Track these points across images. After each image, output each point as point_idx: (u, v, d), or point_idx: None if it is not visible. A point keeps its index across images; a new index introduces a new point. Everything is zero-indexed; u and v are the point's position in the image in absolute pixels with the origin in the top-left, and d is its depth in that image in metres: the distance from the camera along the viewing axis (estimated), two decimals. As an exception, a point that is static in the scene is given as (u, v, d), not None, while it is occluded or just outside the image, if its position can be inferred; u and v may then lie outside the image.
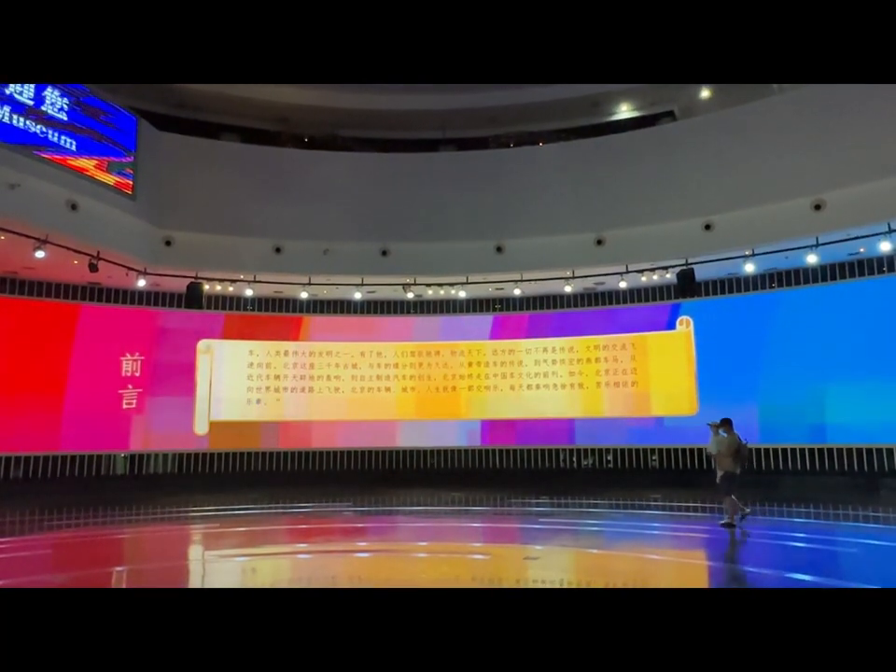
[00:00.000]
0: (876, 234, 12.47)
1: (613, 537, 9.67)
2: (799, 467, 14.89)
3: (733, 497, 9.52)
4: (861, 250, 13.62)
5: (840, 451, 14.45)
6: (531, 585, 7.00)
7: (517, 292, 16.23)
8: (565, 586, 6.98)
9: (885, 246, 12.67)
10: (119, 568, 7.79)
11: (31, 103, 12.00)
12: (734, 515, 9.50)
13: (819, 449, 14.69)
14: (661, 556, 8.34)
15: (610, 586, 6.71)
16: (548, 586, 6.92)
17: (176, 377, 16.61)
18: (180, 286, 15.39)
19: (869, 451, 14.14)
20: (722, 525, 9.53)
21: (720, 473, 9.73)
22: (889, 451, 13.89)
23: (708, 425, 10.15)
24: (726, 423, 9.84)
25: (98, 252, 13.35)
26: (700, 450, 15.98)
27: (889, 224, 12.25)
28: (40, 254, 12.39)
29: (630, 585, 6.80)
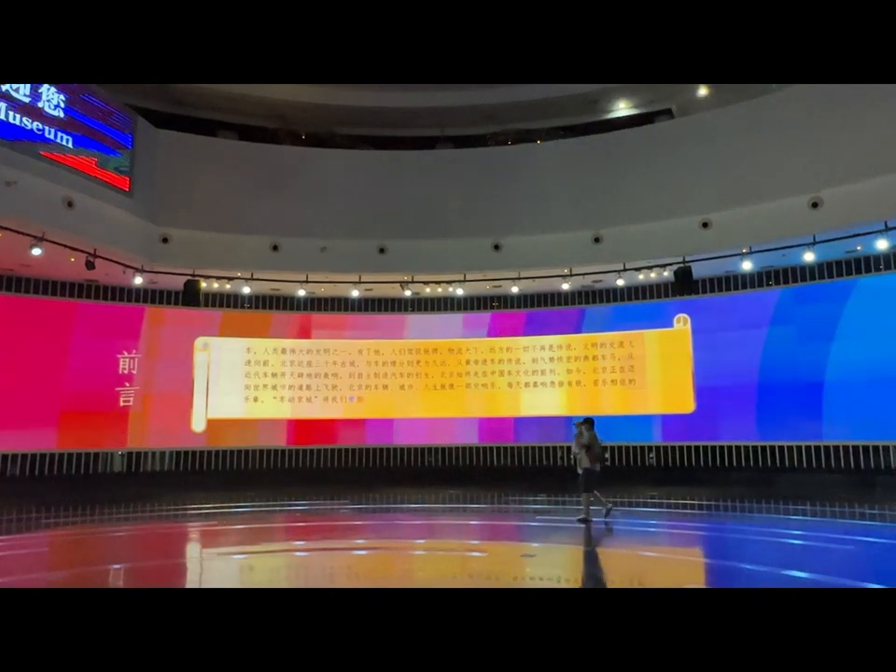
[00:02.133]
0: (873, 232, 12.50)
1: (610, 534, 9.69)
2: (796, 464, 14.93)
3: (595, 492, 10.09)
4: (858, 248, 13.66)
5: (837, 448, 14.49)
6: (528, 582, 7.02)
7: (515, 290, 16.23)
8: (562, 583, 7.00)
9: (881, 244, 12.71)
10: (116, 566, 7.79)
11: (27, 100, 11.95)
12: (589, 510, 10.01)
13: (815, 446, 14.73)
14: (657, 554, 8.36)
15: (607, 583, 6.73)
16: (545, 583, 6.93)
17: (174, 375, 16.57)
18: (177, 283, 15.38)
19: (866, 448, 14.18)
20: (578, 520, 9.96)
21: (580, 471, 10.21)
22: (886, 448, 13.94)
23: (574, 424, 10.75)
24: (588, 422, 10.48)
25: (95, 249, 13.32)
26: (697, 447, 16.06)
27: (885, 222, 12.29)
28: (37, 251, 12.37)
29: (626, 583, 6.82)
